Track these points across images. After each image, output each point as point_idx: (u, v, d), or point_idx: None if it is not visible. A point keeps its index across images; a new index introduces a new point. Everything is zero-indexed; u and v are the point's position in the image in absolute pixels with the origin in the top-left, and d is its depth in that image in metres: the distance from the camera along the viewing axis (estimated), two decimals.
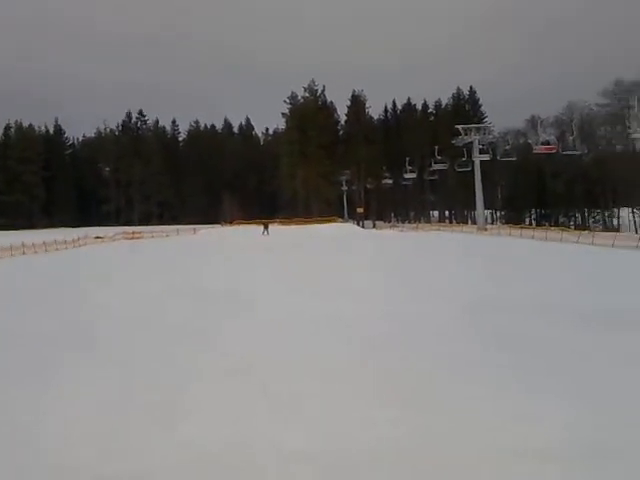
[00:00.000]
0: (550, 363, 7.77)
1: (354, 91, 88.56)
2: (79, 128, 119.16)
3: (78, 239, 46.72)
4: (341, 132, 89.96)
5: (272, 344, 9.23)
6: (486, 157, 61.98)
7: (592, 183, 68.62)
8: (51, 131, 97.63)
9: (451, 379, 7.08)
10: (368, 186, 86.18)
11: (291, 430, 5.53)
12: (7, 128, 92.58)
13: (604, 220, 71.02)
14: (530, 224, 67.44)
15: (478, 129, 64.29)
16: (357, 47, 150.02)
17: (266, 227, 55.39)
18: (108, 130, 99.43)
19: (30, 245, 38.76)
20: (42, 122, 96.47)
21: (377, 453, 4.96)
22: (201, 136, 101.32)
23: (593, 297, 13.10)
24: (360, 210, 79.93)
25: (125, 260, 32.59)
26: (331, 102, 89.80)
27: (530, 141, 72.33)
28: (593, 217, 73.12)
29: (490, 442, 5.08)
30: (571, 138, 66.32)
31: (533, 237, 41.10)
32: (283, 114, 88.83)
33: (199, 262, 28.15)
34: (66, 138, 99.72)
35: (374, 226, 77.27)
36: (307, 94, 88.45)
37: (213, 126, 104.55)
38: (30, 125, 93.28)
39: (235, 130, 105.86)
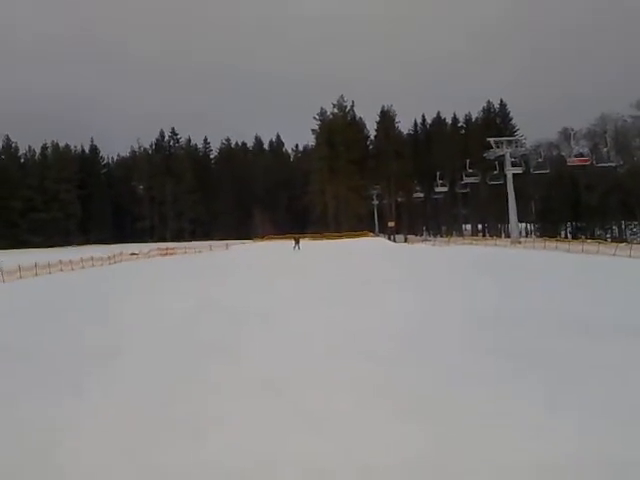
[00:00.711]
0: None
1: (383, 106, 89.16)
2: (114, 148, 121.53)
3: (114, 256, 47.44)
4: (371, 147, 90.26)
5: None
6: (518, 170, 61.21)
7: (628, 195, 67.50)
8: (87, 151, 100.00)
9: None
10: (399, 200, 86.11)
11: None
12: (44, 148, 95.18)
13: None
14: (565, 237, 66.39)
15: (510, 142, 63.60)
16: (386, 62, 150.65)
17: (297, 242, 55.05)
18: (142, 149, 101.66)
19: (67, 262, 39.51)
20: (78, 142, 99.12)
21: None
22: (232, 153, 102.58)
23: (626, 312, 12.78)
24: (391, 224, 79.79)
25: (160, 277, 32.91)
26: (360, 117, 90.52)
27: (563, 153, 71.72)
28: (630, 229, 71.78)
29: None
30: (605, 150, 65.54)
31: (569, 250, 40.40)
32: (313, 130, 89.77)
33: (234, 278, 28.31)
34: (101, 157, 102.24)
35: (405, 240, 76.99)
36: (336, 110, 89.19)
37: (244, 143, 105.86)
38: (66, 145, 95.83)
39: (266, 147, 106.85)
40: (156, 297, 19.21)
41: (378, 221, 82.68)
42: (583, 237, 59.90)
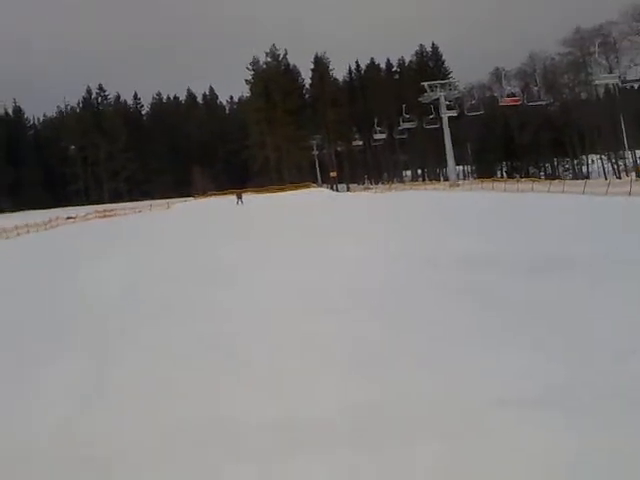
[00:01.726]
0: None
1: (317, 54, 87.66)
2: (39, 108, 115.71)
3: (49, 221, 46.11)
4: (307, 96, 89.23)
5: None
6: (453, 113, 62.29)
7: (559, 132, 69.42)
8: (10, 113, 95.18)
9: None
10: (339, 149, 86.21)
11: None
12: None
13: (574, 168, 72.20)
14: (501, 177, 68.26)
15: (443, 85, 64.45)
16: (318, 9, 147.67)
17: (239, 197, 54.79)
18: (69, 108, 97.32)
19: (0, 230, 38.11)
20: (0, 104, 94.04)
21: None
22: (165, 108, 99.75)
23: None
24: (333, 174, 79.87)
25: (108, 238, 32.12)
26: (294, 66, 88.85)
27: (496, 94, 72.86)
28: (563, 166, 74.30)
29: None
30: (535, 89, 66.93)
31: (505, 189, 41.69)
32: (247, 81, 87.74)
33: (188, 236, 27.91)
34: (27, 119, 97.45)
35: (348, 189, 77.56)
36: (269, 59, 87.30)
37: (177, 97, 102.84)
38: None
39: (199, 100, 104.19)
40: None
41: (320, 171, 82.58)
42: (518, 176, 61.69)
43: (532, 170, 74.11)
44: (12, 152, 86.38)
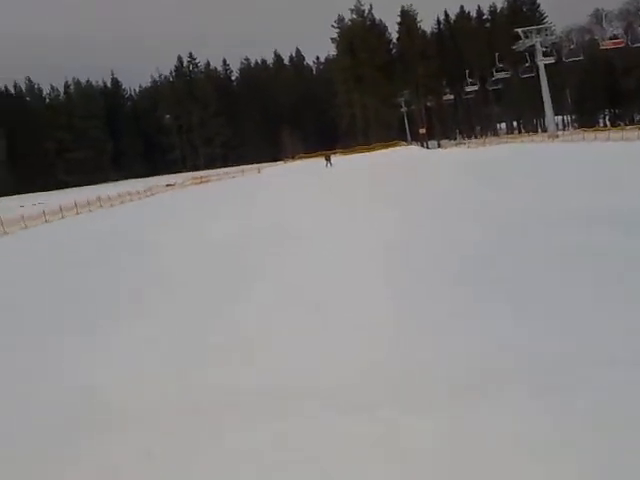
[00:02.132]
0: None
1: (403, 7, 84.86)
2: (135, 79, 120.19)
3: (150, 188, 48.25)
4: (394, 51, 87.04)
5: None
6: (551, 60, 59.01)
7: None
8: (109, 85, 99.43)
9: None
10: (429, 104, 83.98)
11: None
12: (67, 87, 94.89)
13: None
14: (605, 126, 64.26)
15: (539, 31, 60.97)
16: None
17: (328, 159, 54.43)
18: (163, 78, 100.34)
19: (106, 198, 40.36)
20: (99, 78, 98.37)
21: None
22: (253, 72, 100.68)
23: None
24: (422, 131, 77.99)
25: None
26: (380, 20, 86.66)
27: (596, 37, 68.12)
28: None
29: None
30: None
31: (609, 139, 39.30)
32: (332, 39, 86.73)
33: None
34: (124, 90, 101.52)
35: (439, 146, 75.62)
36: (354, 15, 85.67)
37: (264, 61, 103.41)
38: (88, 81, 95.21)
39: (286, 62, 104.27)
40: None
41: (409, 129, 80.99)
42: (622, 124, 57.88)
43: (638, 117, 69.19)
44: (111, 124, 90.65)
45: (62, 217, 32.51)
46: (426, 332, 6.21)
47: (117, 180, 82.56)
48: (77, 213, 34.66)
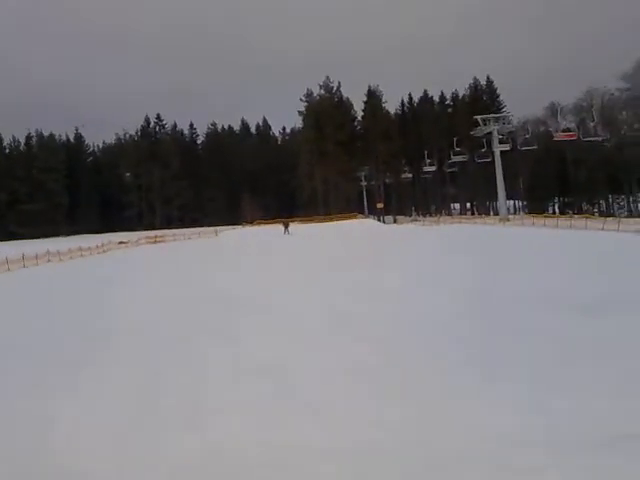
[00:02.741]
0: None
1: (370, 86, 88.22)
2: (99, 135, 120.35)
3: (102, 245, 47.26)
4: (358, 128, 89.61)
5: None
6: (506, 147, 61.20)
7: (615, 169, 67.65)
8: (72, 139, 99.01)
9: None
10: (387, 181, 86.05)
11: None
12: (29, 138, 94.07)
13: (629, 206, 69.98)
14: (553, 213, 66.61)
15: (497, 119, 63.46)
16: (372, 41, 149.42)
17: (286, 226, 54.91)
18: (127, 136, 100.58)
19: (55, 253, 39.23)
20: (62, 131, 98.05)
21: None
22: (219, 138, 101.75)
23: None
24: (380, 205, 79.60)
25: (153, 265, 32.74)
26: (347, 98, 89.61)
27: (550, 129, 71.62)
28: (617, 203, 72.13)
29: None
30: (592, 124, 65.47)
31: (557, 226, 40.55)
32: (299, 112, 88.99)
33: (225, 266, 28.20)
34: (87, 146, 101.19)
35: (395, 221, 76.99)
36: (323, 91, 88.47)
37: (231, 127, 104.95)
38: (51, 134, 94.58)
39: (253, 131, 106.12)
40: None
41: (367, 203, 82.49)
42: (571, 212, 60.10)
43: (586, 207, 72.16)
44: (70, 178, 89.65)
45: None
46: None
47: (70, 234, 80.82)
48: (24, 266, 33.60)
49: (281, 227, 55.40)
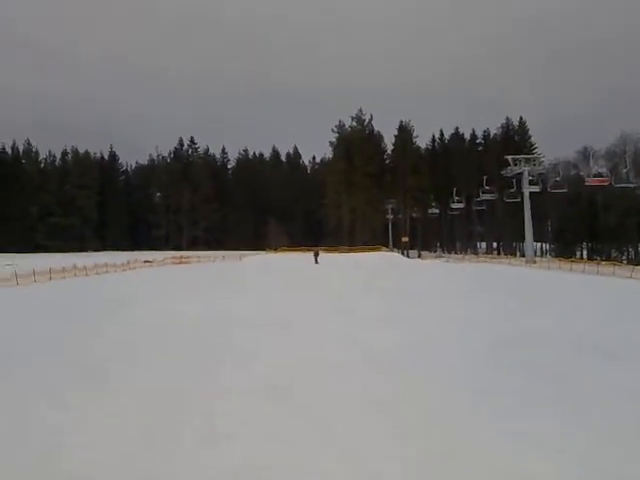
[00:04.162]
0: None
1: (401, 121, 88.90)
2: (133, 155, 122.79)
3: (128, 262, 47.83)
4: (388, 161, 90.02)
5: None
6: (536, 188, 60.68)
7: None
8: (106, 157, 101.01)
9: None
10: (414, 215, 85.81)
11: None
12: (64, 154, 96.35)
13: None
14: (581, 258, 65.69)
15: (528, 160, 63.05)
16: (405, 75, 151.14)
17: (317, 256, 53.57)
18: (160, 157, 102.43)
19: (82, 267, 39.86)
20: (98, 149, 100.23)
21: None
22: (250, 164, 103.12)
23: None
24: (405, 239, 79.39)
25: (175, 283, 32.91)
26: (378, 131, 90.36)
27: (582, 173, 70.95)
28: None
29: None
30: (624, 170, 64.61)
31: (584, 271, 39.96)
32: (330, 143, 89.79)
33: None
34: (120, 164, 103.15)
35: (419, 256, 76.62)
36: (354, 123, 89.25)
37: (261, 154, 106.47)
38: (86, 151, 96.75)
39: (283, 158, 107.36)
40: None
41: (392, 236, 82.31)
42: (598, 258, 59.18)
43: (614, 254, 71.03)
44: (102, 194, 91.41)
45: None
46: None
47: (97, 250, 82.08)
48: (50, 279, 34.17)
49: (305, 255, 55.17)
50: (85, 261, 44.57)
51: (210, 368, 9.80)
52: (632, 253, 72.10)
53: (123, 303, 20.39)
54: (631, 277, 33.82)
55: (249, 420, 7.01)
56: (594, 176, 60.78)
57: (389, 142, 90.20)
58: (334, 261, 52.75)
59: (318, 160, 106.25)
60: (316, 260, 52.62)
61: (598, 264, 42.91)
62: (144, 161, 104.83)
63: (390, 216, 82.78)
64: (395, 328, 13.90)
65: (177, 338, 12.96)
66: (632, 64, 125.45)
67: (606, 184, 59.93)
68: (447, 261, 62.03)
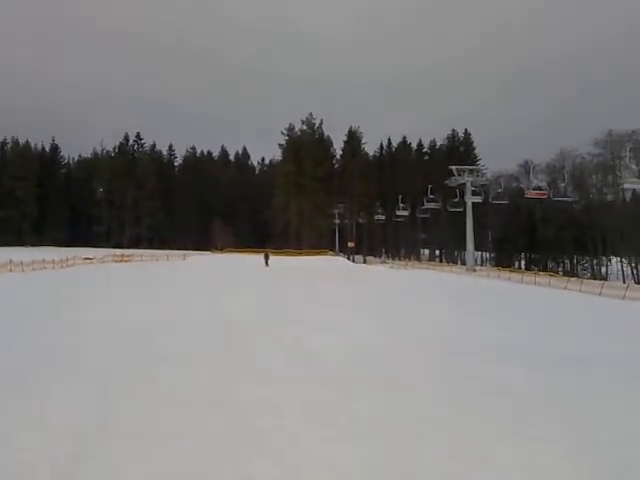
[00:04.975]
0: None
1: (351, 127, 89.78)
2: (75, 148, 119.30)
3: (67, 259, 46.43)
4: (337, 166, 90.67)
5: None
6: (478, 199, 62.39)
7: (582, 230, 69.33)
8: (47, 149, 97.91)
9: None
10: (360, 221, 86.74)
11: None
12: (3, 144, 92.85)
13: (592, 268, 71.57)
14: (519, 268, 67.74)
15: (471, 171, 64.73)
16: (357, 82, 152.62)
17: (267, 258, 52.89)
18: (104, 151, 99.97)
19: (18, 263, 38.45)
20: (39, 140, 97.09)
21: None
22: (197, 162, 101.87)
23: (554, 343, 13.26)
24: (351, 244, 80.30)
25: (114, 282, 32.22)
26: (328, 136, 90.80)
27: (522, 185, 73.24)
28: (582, 264, 73.69)
29: None
30: (562, 185, 67.12)
31: (521, 281, 41.27)
32: (280, 145, 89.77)
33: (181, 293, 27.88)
34: (62, 157, 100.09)
35: (364, 261, 77.49)
36: (305, 127, 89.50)
37: (210, 153, 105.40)
38: (27, 142, 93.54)
39: (231, 158, 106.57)
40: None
41: (339, 240, 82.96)
42: (536, 269, 61.22)
43: (551, 265, 73.66)
44: (42, 188, 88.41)
45: None
46: None
47: (36, 245, 79.38)
48: None
49: (253, 257, 54.75)
50: (22, 256, 42.96)
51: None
52: (567, 265, 74.88)
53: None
54: (565, 288, 35.11)
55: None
56: (533, 189, 62.85)
57: (338, 147, 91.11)
58: (284, 264, 52.46)
59: (267, 162, 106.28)
60: (266, 262, 52.23)
61: (535, 274, 44.40)
62: (87, 155, 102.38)
63: (337, 221, 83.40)
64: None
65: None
66: (572, 80, 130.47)
67: (545, 197, 62.08)
68: (391, 267, 62.94)
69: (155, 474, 5.40)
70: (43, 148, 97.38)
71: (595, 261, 71.73)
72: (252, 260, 54.64)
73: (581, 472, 5.71)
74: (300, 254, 65.04)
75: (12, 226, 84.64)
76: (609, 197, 71.38)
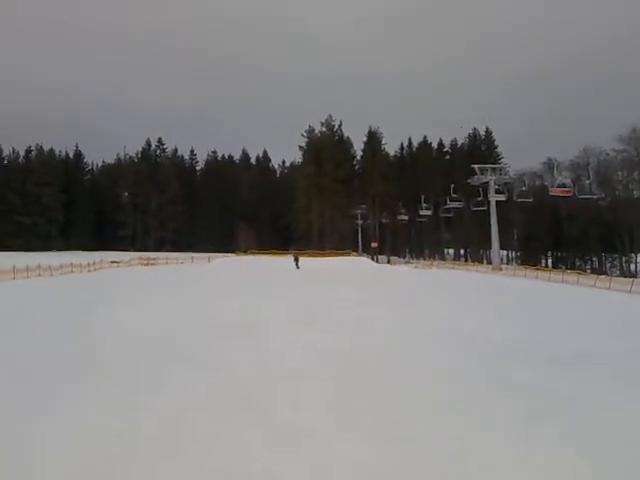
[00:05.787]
0: None
1: (370, 127, 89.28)
2: (99, 154, 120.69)
3: (94, 263, 47.04)
4: (357, 167, 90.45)
5: None
6: (502, 197, 61.87)
7: (608, 227, 68.35)
8: (71, 156, 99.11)
9: None
10: (383, 221, 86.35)
11: None
12: (28, 151, 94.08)
13: (621, 265, 70.51)
14: (546, 266, 66.97)
15: (494, 169, 64.22)
16: (375, 82, 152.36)
17: (297, 260, 51.87)
18: (127, 157, 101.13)
19: (46, 267, 39.03)
20: (63, 147, 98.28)
21: None
22: (219, 166, 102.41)
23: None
24: (374, 245, 79.95)
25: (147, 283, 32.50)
26: (348, 137, 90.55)
27: (546, 183, 72.47)
28: (610, 262, 72.67)
29: None
30: (587, 182, 66.29)
31: (549, 279, 40.82)
32: (300, 147, 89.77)
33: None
34: (85, 163, 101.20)
35: (388, 261, 77.19)
36: (324, 129, 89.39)
37: (231, 157, 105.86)
38: (51, 149, 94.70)
39: (252, 161, 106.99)
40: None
41: (362, 241, 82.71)
42: (563, 267, 60.49)
43: (578, 263, 72.71)
44: (67, 194, 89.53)
45: None
46: None
47: (62, 250, 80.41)
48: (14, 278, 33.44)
49: (278, 259, 54.44)
50: (49, 261, 43.60)
51: None
52: (595, 262, 73.89)
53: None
54: (594, 286, 34.66)
55: None
56: (558, 186, 62.20)
57: (358, 148, 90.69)
58: (312, 266, 51.40)
59: (287, 164, 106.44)
60: (297, 265, 51.42)
61: (563, 273, 43.89)
62: (111, 160, 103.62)
63: (360, 221, 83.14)
64: None
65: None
66: (596, 74, 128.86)
67: (569, 195, 61.38)
68: (416, 267, 62.62)
69: None
70: (67, 155, 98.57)
71: (624, 258, 70.65)
72: (278, 262, 54.55)
73: None
74: (323, 255, 64.86)
75: (39, 232, 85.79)
76: (635, 193, 70.31)
